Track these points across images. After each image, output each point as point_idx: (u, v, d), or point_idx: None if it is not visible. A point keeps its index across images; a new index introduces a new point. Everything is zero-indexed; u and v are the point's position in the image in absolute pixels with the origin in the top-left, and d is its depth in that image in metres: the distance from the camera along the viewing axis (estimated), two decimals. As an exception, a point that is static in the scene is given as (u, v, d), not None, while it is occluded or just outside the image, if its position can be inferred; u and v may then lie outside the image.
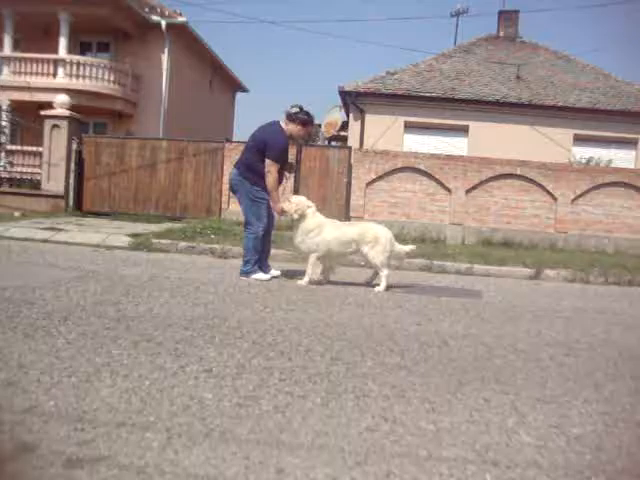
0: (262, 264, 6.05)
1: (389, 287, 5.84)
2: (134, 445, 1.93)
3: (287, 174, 6.38)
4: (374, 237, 5.89)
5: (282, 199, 5.98)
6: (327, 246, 5.85)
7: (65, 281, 4.90)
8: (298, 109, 5.93)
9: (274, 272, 6.14)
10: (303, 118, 5.92)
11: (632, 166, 15.51)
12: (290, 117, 5.91)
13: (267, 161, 5.76)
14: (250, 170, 5.86)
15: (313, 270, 5.87)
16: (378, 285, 5.82)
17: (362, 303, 4.95)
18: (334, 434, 2.16)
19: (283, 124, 5.93)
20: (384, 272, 5.88)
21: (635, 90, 17.66)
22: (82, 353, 2.89)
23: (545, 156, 13.72)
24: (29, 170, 14.62)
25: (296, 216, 5.82)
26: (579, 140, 16.23)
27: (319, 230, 5.86)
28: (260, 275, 5.92)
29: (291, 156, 10.94)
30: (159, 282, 5.26)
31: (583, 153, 15.18)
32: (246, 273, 5.92)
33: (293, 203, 5.88)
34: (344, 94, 16.98)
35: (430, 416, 2.42)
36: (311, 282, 5.83)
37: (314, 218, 5.91)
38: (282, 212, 5.92)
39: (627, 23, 73.61)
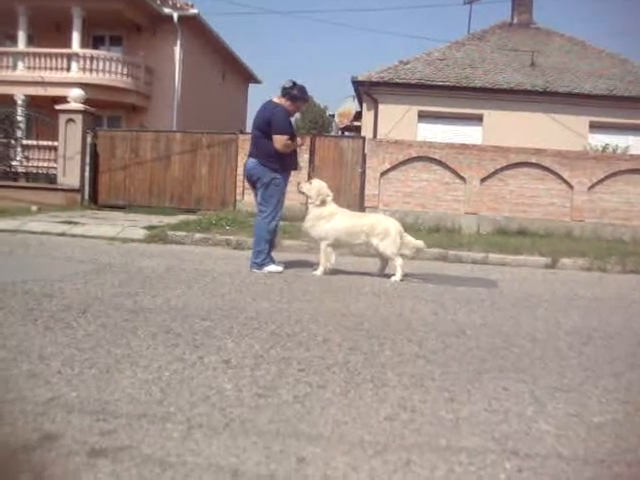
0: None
1: (405, 276, 5.83)
2: (155, 435, 1.95)
3: (299, 151, 6.32)
4: (384, 230, 5.89)
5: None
6: (337, 234, 5.85)
7: (83, 274, 4.94)
8: (291, 84, 5.86)
9: (277, 267, 5.93)
10: (292, 93, 5.84)
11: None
12: (283, 92, 5.87)
13: (275, 137, 5.70)
14: (268, 157, 5.79)
15: (327, 259, 5.87)
16: (394, 275, 5.81)
17: (378, 293, 4.95)
18: (353, 423, 2.16)
19: (276, 100, 5.91)
20: (398, 261, 5.87)
21: (652, 75, 17.39)
22: (102, 345, 2.92)
23: (561, 144, 13.56)
24: (45, 164, 14.72)
25: (318, 202, 5.84)
26: (595, 127, 16.03)
27: (330, 217, 5.87)
28: (273, 267, 5.85)
29: (305, 147, 10.96)
30: (175, 274, 5.30)
31: (599, 140, 15.00)
32: (259, 265, 5.82)
33: (314, 187, 5.89)
34: (357, 84, 16.91)
35: (449, 405, 2.41)
36: (326, 272, 5.83)
37: (329, 206, 5.92)
38: (301, 193, 5.98)
39: (644, 7, 72.44)
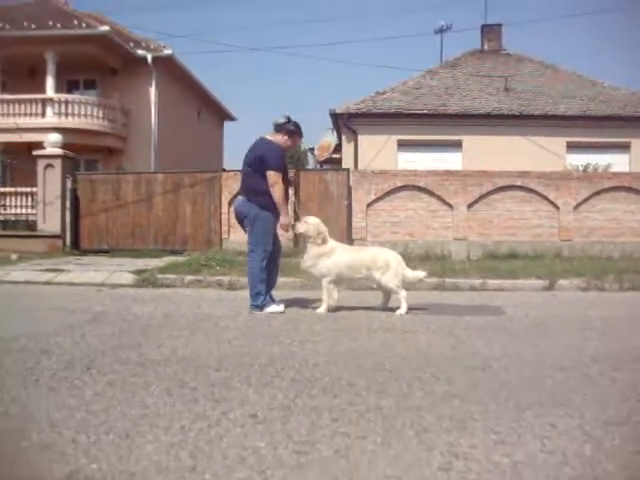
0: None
1: (409, 309, 5.67)
2: (197, 510, 1.74)
3: (290, 191, 6.18)
4: (385, 262, 5.75)
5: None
6: (338, 270, 5.68)
7: (78, 325, 4.69)
8: (286, 119, 5.77)
9: (279, 307, 5.71)
10: (289, 128, 5.75)
11: (627, 170, 15.49)
12: (277, 128, 5.77)
13: (269, 173, 5.55)
14: (257, 194, 5.62)
15: (329, 296, 5.69)
16: (399, 308, 5.65)
17: (389, 328, 4.78)
18: (407, 477, 1.98)
19: (269, 137, 5.80)
20: (402, 294, 5.72)
21: (622, 95, 17.78)
22: (114, 405, 2.69)
23: (539, 165, 13.70)
24: (23, 211, 14.37)
25: (319, 241, 5.66)
26: (572, 147, 16.26)
27: (331, 254, 5.71)
28: (274, 307, 5.62)
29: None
30: (175, 320, 5.07)
31: (577, 160, 15.21)
32: (259, 307, 5.58)
33: (310, 224, 5.73)
34: (335, 116, 16.99)
35: (501, 448, 2.24)
36: (329, 309, 5.65)
37: (327, 242, 5.76)
38: (288, 229, 5.84)
39: (607, 30, 74.99)
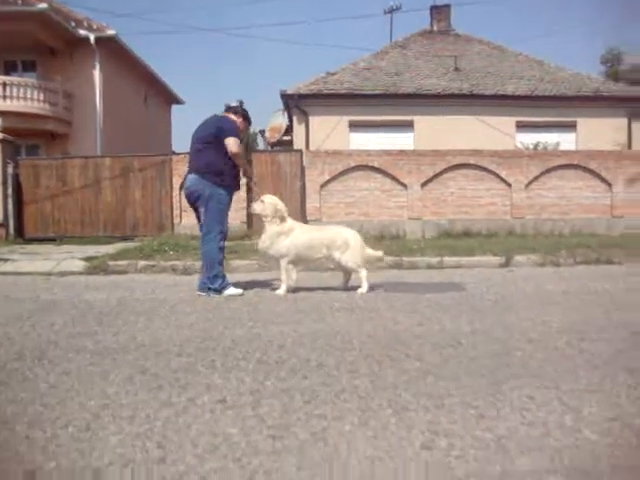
0: None
1: (370, 288, 5.60)
2: (170, 504, 1.60)
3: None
4: (344, 242, 5.65)
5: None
6: (297, 250, 5.56)
7: (27, 315, 4.42)
8: (239, 102, 5.70)
9: (237, 290, 5.55)
10: (241, 111, 5.72)
11: (573, 148, 15.86)
12: (229, 109, 5.67)
13: (229, 140, 5.36)
14: (210, 171, 5.40)
15: (288, 276, 5.56)
16: (359, 287, 5.58)
17: (352, 307, 4.69)
18: (390, 458, 1.89)
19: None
20: (362, 273, 5.66)
21: (568, 75, 18.16)
22: (71, 397, 2.50)
23: (490, 145, 13.85)
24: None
25: (277, 220, 5.51)
26: (521, 127, 16.54)
27: (289, 233, 5.56)
28: (233, 290, 5.47)
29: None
30: (130, 306, 4.85)
31: (526, 139, 15.47)
32: (218, 290, 5.41)
33: (267, 203, 5.56)
34: (286, 97, 16.76)
35: (481, 423, 2.18)
36: (289, 290, 5.52)
37: (285, 221, 5.61)
38: (254, 211, 5.70)
39: (551, 10, 76.50)
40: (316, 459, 1.88)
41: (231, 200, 5.63)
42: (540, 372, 2.82)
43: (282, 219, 5.55)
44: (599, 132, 15.82)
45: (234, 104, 5.65)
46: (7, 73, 18.62)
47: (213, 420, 2.22)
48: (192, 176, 5.56)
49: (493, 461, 1.87)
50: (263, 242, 5.61)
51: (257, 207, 5.65)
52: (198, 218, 5.62)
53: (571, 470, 1.81)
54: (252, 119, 5.95)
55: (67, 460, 1.88)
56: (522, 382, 2.66)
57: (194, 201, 5.58)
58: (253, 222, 11.75)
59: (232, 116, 5.62)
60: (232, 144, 5.37)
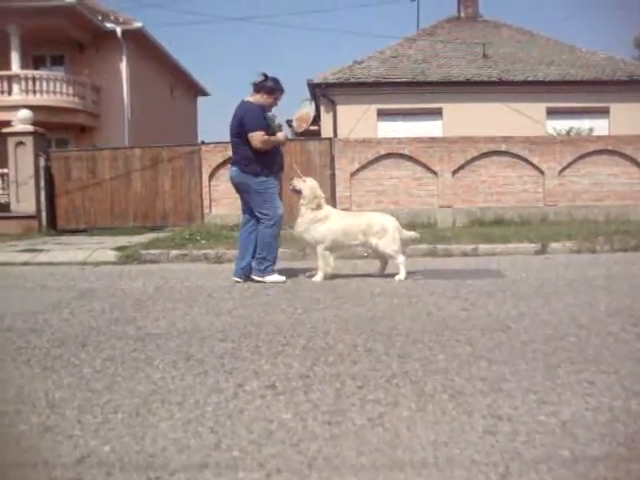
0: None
1: (407, 274, 5.50)
2: (231, 490, 1.55)
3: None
4: (382, 227, 5.55)
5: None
6: (334, 236, 5.48)
7: (65, 302, 4.42)
8: (263, 77, 5.46)
9: (280, 277, 5.48)
10: (268, 86, 5.46)
11: (606, 134, 15.46)
12: (255, 87, 5.49)
13: (249, 136, 5.28)
14: (247, 162, 5.40)
15: (326, 263, 5.48)
16: (397, 274, 5.48)
17: (392, 293, 4.60)
18: (454, 443, 1.82)
19: (249, 98, 5.52)
20: (400, 259, 5.55)
21: (600, 59, 17.68)
22: (118, 382, 2.47)
23: (520, 131, 13.49)
24: (-5, 193, 13.89)
25: (313, 205, 5.44)
26: (552, 113, 16.15)
27: (325, 220, 5.49)
28: (276, 277, 5.40)
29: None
30: (167, 293, 4.83)
31: (557, 125, 15.13)
32: (261, 272, 5.36)
33: (308, 185, 5.50)
34: (313, 87, 16.61)
35: (544, 408, 2.09)
36: (326, 277, 5.45)
37: (322, 207, 5.54)
38: (295, 191, 5.60)
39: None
40: (377, 444, 1.82)
41: (279, 182, 5.61)
42: (597, 357, 2.71)
43: (319, 205, 5.47)
44: (633, 118, 15.34)
45: (258, 80, 5.51)
46: (36, 68, 18.80)
47: (265, 406, 2.16)
48: (233, 168, 5.59)
49: (562, 447, 1.78)
50: (299, 227, 5.55)
51: (298, 184, 5.57)
52: (243, 206, 5.64)
53: (647, 457, 1.72)
54: (283, 87, 5.67)
55: (120, 445, 1.84)
56: (579, 367, 2.56)
57: (239, 191, 5.61)
58: (285, 210, 11.71)
59: (256, 97, 5.49)
60: (254, 140, 5.29)
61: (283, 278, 5.41)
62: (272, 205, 5.40)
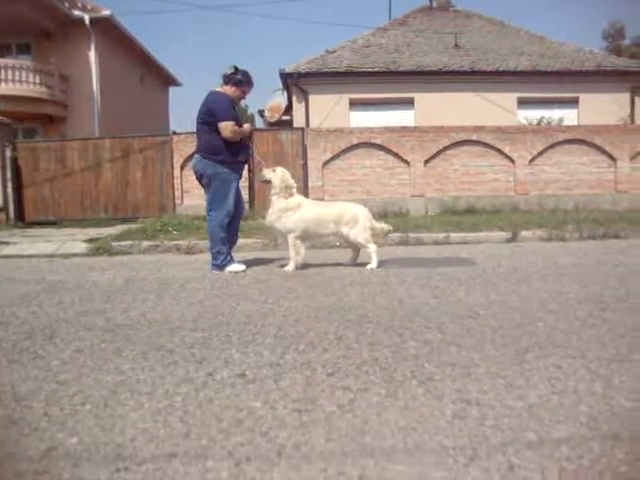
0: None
1: (379, 263, 5.52)
2: None
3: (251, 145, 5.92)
4: (353, 217, 5.57)
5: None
6: (305, 225, 5.48)
7: (33, 295, 4.35)
8: (233, 70, 5.49)
9: (240, 266, 5.54)
10: (237, 79, 5.49)
11: (576, 124, 15.70)
12: (225, 79, 5.51)
13: (220, 125, 5.31)
14: (211, 150, 5.41)
15: (297, 252, 5.48)
16: (369, 263, 5.50)
17: (363, 282, 4.62)
18: (423, 428, 1.83)
19: (219, 89, 5.53)
20: (371, 248, 5.57)
21: (570, 50, 17.93)
22: (86, 373, 2.44)
23: (491, 121, 13.69)
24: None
25: (284, 194, 5.43)
26: (523, 103, 16.36)
27: (297, 209, 5.49)
28: (234, 267, 5.45)
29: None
30: (138, 284, 4.78)
31: (528, 115, 15.31)
32: (219, 267, 5.43)
33: (278, 174, 5.49)
34: (285, 76, 16.55)
35: (512, 392, 2.12)
36: (297, 266, 5.45)
37: (293, 196, 5.53)
38: (265, 182, 5.64)
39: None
40: (346, 430, 1.82)
41: (240, 176, 5.63)
42: (564, 342, 2.76)
43: (290, 194, 5.47)
44: (601, 107, 15.64)
45: (229, 72, 5.51)
46: (1, 56, 18.32)
47: (234, 394, 2.15)
48: (197, 156, 5.62)
49: (528, 429, 1.81)
50: (270, 216, 5.55)
51: (267, 174, 5.57)
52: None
53: (609, 436, 1.76)
54: (253, 80, 5.70)
55: (88, 436, 1.82)
56: (547, 352, 2.60)
57: (199, 179, 5.59)
58: (255, 201, 11.67)
59: (225, 88, 5.50)
60: (222, 129, 5.32)
61: (243, 267, 5.47)
62: (223, 199, 5.43)
